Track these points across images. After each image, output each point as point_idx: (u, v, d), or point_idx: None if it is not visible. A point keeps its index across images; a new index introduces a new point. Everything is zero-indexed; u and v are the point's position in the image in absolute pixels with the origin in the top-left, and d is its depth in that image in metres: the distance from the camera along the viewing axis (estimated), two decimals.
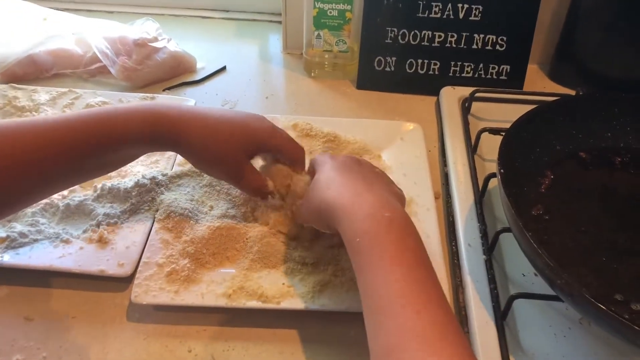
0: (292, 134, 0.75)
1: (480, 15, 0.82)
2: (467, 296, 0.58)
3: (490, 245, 0.61)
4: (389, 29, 0.84)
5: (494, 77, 0.86)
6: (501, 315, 0.55)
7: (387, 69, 0.87)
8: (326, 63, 0.90)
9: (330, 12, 0.84)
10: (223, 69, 0.92)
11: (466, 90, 0.83)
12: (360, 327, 0.44)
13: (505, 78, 0.86)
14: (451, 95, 0.83)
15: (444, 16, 0.82)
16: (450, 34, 0.83)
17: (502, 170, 0.58)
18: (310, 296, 0.56)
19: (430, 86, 0.86)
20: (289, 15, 0.92)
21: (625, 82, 0.84)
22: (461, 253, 0.62)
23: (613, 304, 0.53)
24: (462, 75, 0.86)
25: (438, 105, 0.85)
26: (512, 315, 0.57)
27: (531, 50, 0.85)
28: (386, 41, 0.85)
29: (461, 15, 0.82)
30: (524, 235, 0.51)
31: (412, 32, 0.84)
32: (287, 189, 0.62)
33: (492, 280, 0.58)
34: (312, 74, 0.91)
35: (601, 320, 0.47)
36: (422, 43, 0.84)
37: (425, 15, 0.82)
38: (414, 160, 0.72)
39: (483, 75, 0.86)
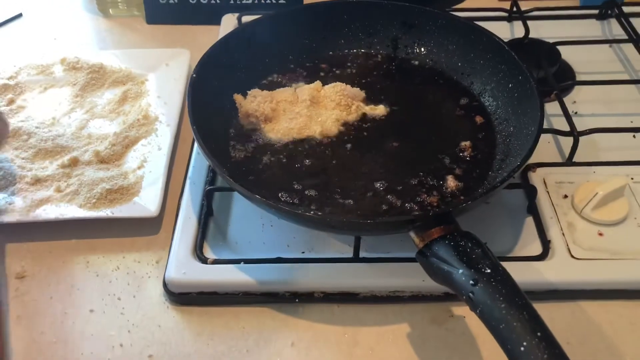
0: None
1: None
2: (184, 197, 0.62)
3: None
4: None
5: (274, 1, 0.89)
6: (206, 210, 0.60)
7: (171, 1, 0.89)
8: (119, 1, 0.92)
9: None
10: (19, 16, 0.93)
11: (246, 17, 0.85)
12: None
13: (284, 1, 0.89)
14: (230, 22, 0.86)
15: None
16: None
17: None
18: None
19: (214, 15, 0.88)
20: None
21: None
22: (191, 160, 0.66)
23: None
24: (243, 2, 0.89)
25: None
26: (226, 210, 0.62)
27: None
28: None
29: None
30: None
31: None
32: None
33: (210, 182, 0.63)
34: (111, 13, 0.93)
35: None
36: None
37: None
38: (172, 82, 0.76)
39: (263, 1, 0.89)
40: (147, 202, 0.61)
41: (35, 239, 0.61)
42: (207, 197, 0.60)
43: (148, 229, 0.62)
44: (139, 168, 0.65)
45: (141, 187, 0.63)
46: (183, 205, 0.61)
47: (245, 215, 0.61)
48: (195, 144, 0.67)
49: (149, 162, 0.66)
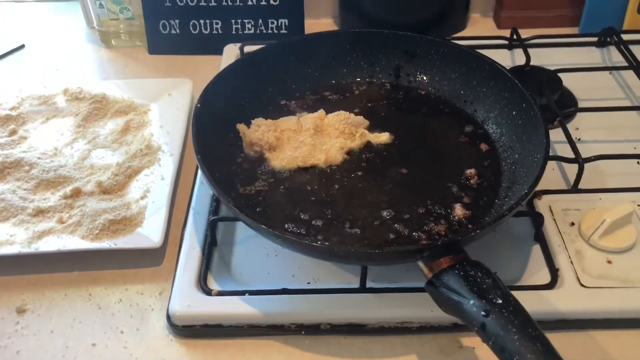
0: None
1: None
2: (187, 228, 0.61)
3: None
4: None
5: (275, 31, 0.89)
6: (210, 240, 0.59)
7: (173, 31, 0.90)
8: (122, 32, 0.92)
9: None
10: (21, 47, 0.94)
11: (248, 47, 0.86)
12: None
13: (286, 32, 0.90)
14: (232, 52, 0.86)
15: None
16: None
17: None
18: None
19: (216, 45, 0.89)
20: None
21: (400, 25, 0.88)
22: (195, 189, 0.66)
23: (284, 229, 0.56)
24: (245, 32, 0.90)
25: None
26: (230, 241, 0.61)
27: (320, 4, 0.90)
28: (166, 4, 0.88)
29: None
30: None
31: None
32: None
33: (214, 212, 0.62)
34: (113, 44, 0.94)
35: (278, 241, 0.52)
36: (200, 3, 0.88)
37: None
38: (175, 112, 0.76)
39: (264, 31, 0.90)
40: (150, 232, 0.60)
41: (37, 271, 0.60)
42: (211, 227, 0.59)
43: (151, 260, 0.61)
44: (142, 198, 0.65)
45: (144, 218, 0.62)
46: (186, 236, 0.60)
47: (250, 246, 0.61)
48: (199, 174, 0.67)
49: (152, 192, 0.65)
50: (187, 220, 0.63)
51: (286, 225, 0.56)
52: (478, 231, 0.48)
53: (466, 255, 0.47)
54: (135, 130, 0.74)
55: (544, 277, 0.56)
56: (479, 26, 0.95)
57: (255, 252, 0.60)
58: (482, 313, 0.41)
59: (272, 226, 0.50)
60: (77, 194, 0.65)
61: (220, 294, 0.55)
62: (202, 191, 0.65)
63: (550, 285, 0.55)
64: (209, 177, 0.53)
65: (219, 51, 0.88)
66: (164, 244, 0.60)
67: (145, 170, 0.68)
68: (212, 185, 0.53)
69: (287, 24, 0.89)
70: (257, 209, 0.58)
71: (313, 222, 0.56)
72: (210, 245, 0.59)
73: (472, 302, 0.42)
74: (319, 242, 0.51)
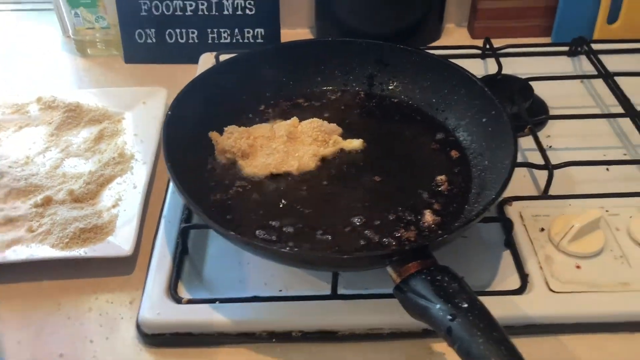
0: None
1: None
2: (158, 236, 0.61)
3: None
4: (142, 1, 0.87)
5: (251, 40, 0.90)
6: (181, 248, 0.59)
7: (149, 40, 0.90)
8: (97, 41, 0.92)
9: None
10: None
11: (224, 56, 0.86)
12: None
13: (262, 41, 0.90)
14: (208, 62, 0.86)
15: None
16: (200, 1, 0.87)
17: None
18: None
19: (192, 54, 0.89)
20: None
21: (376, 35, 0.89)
22: (167, 197, 0.65)
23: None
24: (221, 41, 0.90)
25: None
26: (202, 249, 0.61)
27: (297, 14, 0.90)
28: (142, 14, 0.88)
29: None
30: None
31: (165, 3, 0.87)
32: None
33: (186, 220, 0.62)
34: (89, 53, 0.93)
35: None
36: (176, 13, 0.88)
37: None
38: (149, 120, 0.75)
39: (241, 40, 0.90)
40: (122, 241, 0.60)
41: (5, 281, 0.59)
42: (182, 235, 0.59)
43: (122, 268, 0.60)
44: (113, 207, 0.64)
45: (115, 226, 0.62)
46: (158, 244, 0.60)
47: (221, 254, 0.60)
48: (171, 182, 0.66)
49: (124, 200, 0.65)
50: (158, 228, 0.62)
51: (257, 232, 0.56)
52: (446, 236, 0.49)
53: (434, 261, 0.47)
54: (109, 139, 0.74)
55: (514, 283, 0.56)
56: (454, 36, 0.96)
57: (227, 260, 0.60)
58: (449, 317, 0.42)
59: (241, 233, 0.50)
60: (48, 202, 0.64)
61: (191, 302, 0.55)
62: (174, 199, 0.64)
63: (520, 291, 0.55)
64: (178, 184, 0.53)
65: (195, 60, 0.88)
66: (135, 252, 0.60)
67: (117, 179, 0.68)
68: (181, 192, 0.53)
69: (263, 33, 0.89)
70: (228, 216, 0.58)
71: (284, 229, 0.56)
72: (181, 253, 0.59)
73: (438, 306, 0.43)
74: (287, 249, 0.51)
